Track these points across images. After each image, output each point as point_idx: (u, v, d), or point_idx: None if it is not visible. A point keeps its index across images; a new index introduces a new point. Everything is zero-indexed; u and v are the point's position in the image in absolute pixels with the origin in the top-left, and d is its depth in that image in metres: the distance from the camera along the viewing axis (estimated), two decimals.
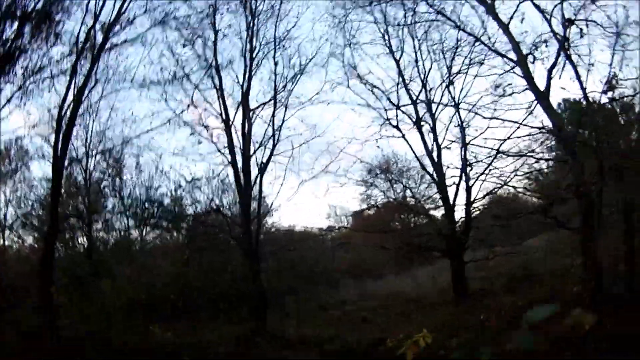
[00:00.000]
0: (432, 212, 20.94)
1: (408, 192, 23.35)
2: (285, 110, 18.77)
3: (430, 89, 18.91)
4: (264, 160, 18.26)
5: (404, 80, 19.15)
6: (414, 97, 19.19)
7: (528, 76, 13.68)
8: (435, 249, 19.36)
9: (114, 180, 21.78)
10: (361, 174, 21.28)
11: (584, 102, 12.96)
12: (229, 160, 18.19)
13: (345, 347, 13.40)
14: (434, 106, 18.95)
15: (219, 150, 18.33)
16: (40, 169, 24.52)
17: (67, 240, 21.14)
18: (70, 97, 14.79)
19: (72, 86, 14.76)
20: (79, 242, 21.70)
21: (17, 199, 21.92)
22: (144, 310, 14.95)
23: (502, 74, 15.74)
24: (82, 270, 18.46)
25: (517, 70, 14.61)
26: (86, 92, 15.60)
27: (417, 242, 20.38)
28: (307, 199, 33.81)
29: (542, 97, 13.20)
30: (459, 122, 18.12)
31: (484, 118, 16.88)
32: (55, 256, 17.01)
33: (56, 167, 15.44)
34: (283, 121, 18.71)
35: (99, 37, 15.17)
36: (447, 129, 18.81)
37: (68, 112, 14.85)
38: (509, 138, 16.19)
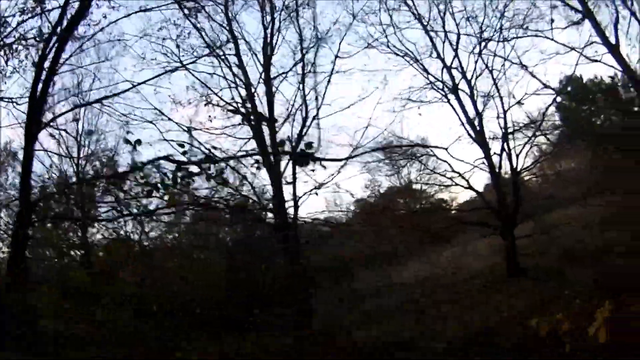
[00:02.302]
0: (441, 194, 20.44)
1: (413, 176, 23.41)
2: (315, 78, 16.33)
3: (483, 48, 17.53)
4: (298, 132, 15.76)
5: (434, 46, 18.16)
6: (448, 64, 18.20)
7: (598, 28, 12.78)
8: (487, 225, 18.08)
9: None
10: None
11: None
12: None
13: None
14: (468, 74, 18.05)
15: (246, 120, 15.32)
16: None
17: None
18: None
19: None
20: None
21: None
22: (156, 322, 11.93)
23: (567, 27, 15.27)
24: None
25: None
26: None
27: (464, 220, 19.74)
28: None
29: (614, 49, 12.28)
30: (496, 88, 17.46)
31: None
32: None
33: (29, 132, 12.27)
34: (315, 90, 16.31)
35: None
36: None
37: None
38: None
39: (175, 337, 11.07)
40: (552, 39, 15.27)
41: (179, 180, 7.39)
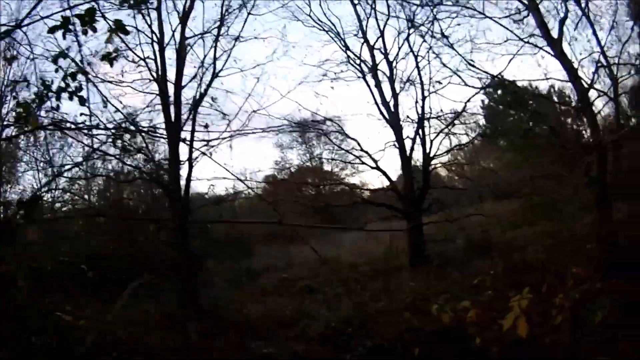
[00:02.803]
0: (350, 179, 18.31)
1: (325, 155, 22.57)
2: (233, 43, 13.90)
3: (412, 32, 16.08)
4: (199, 93, 13.39)
5: (360, 23, 16.69)
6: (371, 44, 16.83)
7: (542, 22, 11.36)
8: (393, 208, 16.94)
9: None
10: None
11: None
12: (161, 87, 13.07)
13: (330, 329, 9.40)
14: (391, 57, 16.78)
15: (154, 78, 12.98)
16: None
17: None
18: None
19: None
20: None
21: None
22: (51, 283, 10.05)
23: (508, 16, 13.17)
24: None
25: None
26: None
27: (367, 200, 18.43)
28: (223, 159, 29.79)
29: (555, 44, 10.83)
30: (418, 72, 16.32)
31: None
32: None
33: None
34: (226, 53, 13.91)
35: None
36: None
37: None
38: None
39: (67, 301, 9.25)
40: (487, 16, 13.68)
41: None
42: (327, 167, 28.50)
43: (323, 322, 9.44)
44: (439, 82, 15.38)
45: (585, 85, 11.00)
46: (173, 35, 13.13)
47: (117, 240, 14.77)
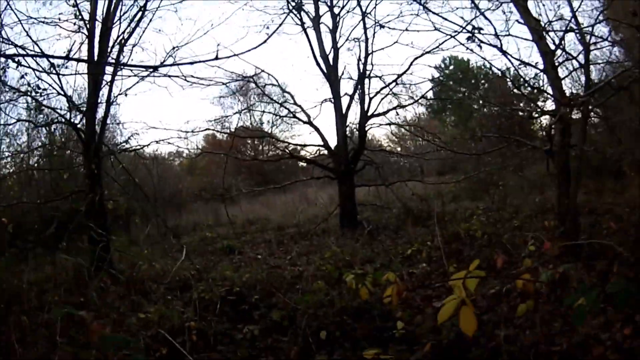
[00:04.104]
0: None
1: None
2: None
3: None
4: (126, 34, 10.70)
5: None
6: None
7: None
8: (323, 167, 15.05)
9: None
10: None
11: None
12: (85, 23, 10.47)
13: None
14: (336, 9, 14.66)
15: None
16: None
17: None
18: None
19: None
20: None
21: None
22: None
23: None
24: None
25: None
26: None
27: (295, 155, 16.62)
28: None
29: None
30: (364, 29, 14.15)
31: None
32: None
33: None
34: None
35: None
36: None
37: None
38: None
39: None
40: None
41: None
42: (267, 129, 27.04)
43: (227, 287, 7.43)
44: (382, 26, 13.22)
45: (552, 47, 9.19)
46: None
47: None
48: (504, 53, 8.95)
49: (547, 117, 9.86)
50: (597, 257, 5.50)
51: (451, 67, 27.52)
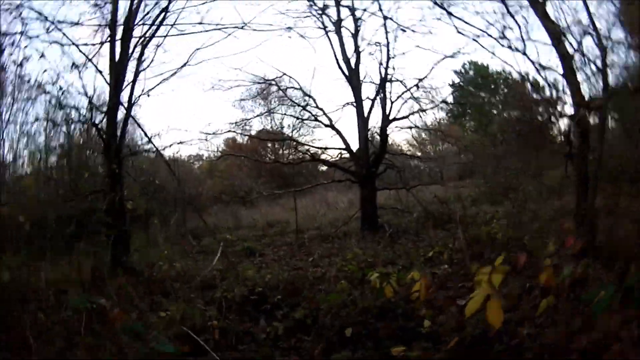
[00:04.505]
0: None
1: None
2: None
3: None
4: (148, 35, 11.14)
5: None
6: None
7: None
8: (344, 169, 15.32)
9: None
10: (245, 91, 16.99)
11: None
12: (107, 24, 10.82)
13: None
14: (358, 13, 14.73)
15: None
16: None
17: None
18: None
19: None
20: None
21: None
22: None
23: None
24: None
25: None
26: None
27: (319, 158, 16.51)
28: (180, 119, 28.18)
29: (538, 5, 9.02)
30: (385, 33, 14.26)
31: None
32: None
33: None
34: None
35: None
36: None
37: None
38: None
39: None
40: None
41: None
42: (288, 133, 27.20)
43: (249, 287, 7.59)
44: (404, 30, 13.50)
45: (570, 51, 9.22)
46: None
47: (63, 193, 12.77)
48: (526, 56, 9.04)
49: (566, 121, 9.91)
50: (615, 257, 5.55)
51: (471, 72, 27.52)
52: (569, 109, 10.43)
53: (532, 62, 8.93)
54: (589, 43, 9.72)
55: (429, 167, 22.86)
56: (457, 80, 23.79)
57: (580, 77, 8.91)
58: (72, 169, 13.99)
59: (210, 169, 29.25)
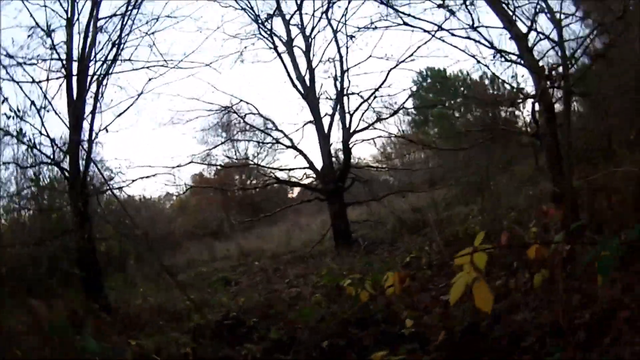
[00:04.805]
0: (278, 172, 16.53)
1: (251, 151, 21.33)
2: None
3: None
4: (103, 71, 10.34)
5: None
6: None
7: None
8: (310, 188, 15.26)
9: None
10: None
11: None
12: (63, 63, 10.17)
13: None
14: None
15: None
16: None
17: None
18: None
19: None
20: None
21: None
22: None
23: None
24: None
25: None
26: None
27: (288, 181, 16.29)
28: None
29: None
30: (337, 47, 14.27)
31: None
32: None
33: None
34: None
35: None
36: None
37: None
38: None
39: None
40: None
41: None
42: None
43: (223, 313, 7.10)
44: (352, 38, 13.36)
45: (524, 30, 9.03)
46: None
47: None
48: (481, 43, 8.80)
49: (530, 102, 9.70)
50: (600, 232, 5.23)
51: (428, 80, 27.52)
52: (531, 91, 10.23)
53: (488, 47, 8.72)
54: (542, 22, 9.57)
55: (397, 179, 22.67)
56: (414, 88, 23.64)
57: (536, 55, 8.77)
58: (42, 210, 13.46)
59: (181, 206, 28.93)
